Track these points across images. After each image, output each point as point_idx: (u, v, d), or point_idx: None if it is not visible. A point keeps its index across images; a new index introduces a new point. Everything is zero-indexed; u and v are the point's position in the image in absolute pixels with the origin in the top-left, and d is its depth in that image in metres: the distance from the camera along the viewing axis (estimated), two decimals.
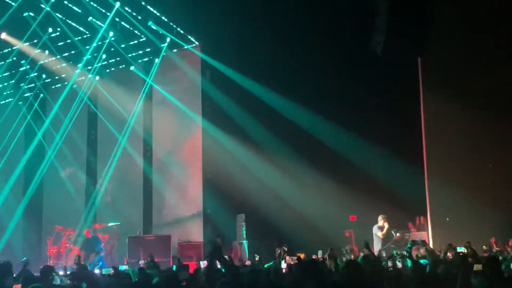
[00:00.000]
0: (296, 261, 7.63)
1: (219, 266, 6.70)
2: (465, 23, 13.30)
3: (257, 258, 10.51)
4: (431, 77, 14.03)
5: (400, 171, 13.85)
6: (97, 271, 7.53)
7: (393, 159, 14.07)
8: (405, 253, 8.11)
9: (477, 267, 5.14)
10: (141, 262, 11.46)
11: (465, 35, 13.35)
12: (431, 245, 11.90)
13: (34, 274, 7.87)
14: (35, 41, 16.36)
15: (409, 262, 7.64)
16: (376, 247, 11.79)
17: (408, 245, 8.35)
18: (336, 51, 14.61)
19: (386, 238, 12.22)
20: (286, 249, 10.34)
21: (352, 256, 10.79)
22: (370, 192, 14.39)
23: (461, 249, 8.60)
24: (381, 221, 12.32)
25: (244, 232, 14.42)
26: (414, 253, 8.76)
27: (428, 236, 13.33)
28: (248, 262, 10.91)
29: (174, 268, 8.96)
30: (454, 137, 13.58)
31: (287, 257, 9.62)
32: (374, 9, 12.10)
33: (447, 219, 13.31)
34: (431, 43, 13.65)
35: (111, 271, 7.77)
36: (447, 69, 13.57)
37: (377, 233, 12.20)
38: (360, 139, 14.55)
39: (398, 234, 12.40)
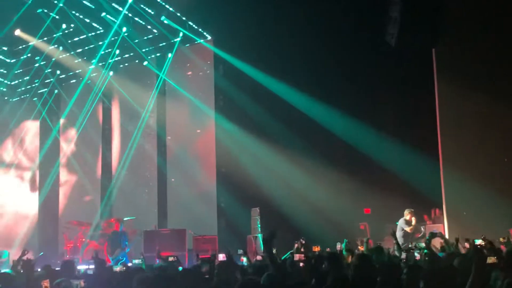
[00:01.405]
0: (304, 258, 7.57)
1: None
2: (479, 12, 13.15)
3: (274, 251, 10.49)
4: (446, 67, 13.92)
5: (415, 163, 13.76)
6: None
7: (407, 151, 13.99)
8: (423, 245, 8.06)
9: (491, 259, 5.04)
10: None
11: (479, 24, 13.20)
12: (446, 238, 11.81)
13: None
14: (49, 37, 16.48)
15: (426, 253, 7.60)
16: (400, 241, 11.49)
17: (427, 238, 8.28)
18: (349, 43, 14.53)
19: (413, 233, 11.87)
20: (303, 242, 10.32)
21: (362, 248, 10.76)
22: (385, 184, 14.33)
23: (478, 241, 8.52)
24: (408, 215, 11.92)
25: (259, 225, 14.43)
26: (433, 245, 8.71)
27: (444, 228, 13.26)
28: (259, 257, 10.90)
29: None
30: (469, 128, 13.46)
31: (296, 254, 9.54)
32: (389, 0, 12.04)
33: (464, 213, 13.21)
34: (445, 34, 13.59)
35: (122, 267, 7.76)
36: (462, 59, 13.44)
37: (405, 228, 11.79)
38: (374, 131, 14.49)
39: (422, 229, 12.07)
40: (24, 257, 8.22)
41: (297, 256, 8.33)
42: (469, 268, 4.77)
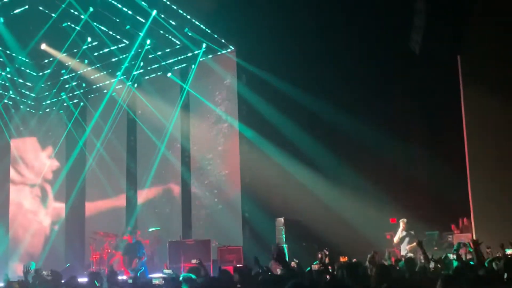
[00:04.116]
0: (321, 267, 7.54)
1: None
2: (505, 18, 12.97)
3: (293, 264, 10.42)
4: (472, 74, 13.73)
5: (441, 172, 13.59)
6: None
7: (434, 160, 13.83)
8: (450, 256, 7.93)
9: None
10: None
11: (505, 30, 13.01)
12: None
13: (79, 279, 7.99)
14: (75, 51, 16.72)
15: (455, 263, 7.49)
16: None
17: (455, 247, 8.14)
18: (374, 51, 14.44)
19: (402, 243, 12.57)
20: (327, 252, 10.20)
21: (393, 259, 10.63)
22: (411, 193, 14.17)
23: (509, 251, 8.35)
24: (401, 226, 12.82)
25: (284, 235, 14.35)
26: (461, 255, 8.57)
27: (472, 238, 13.02)
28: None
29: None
30: (496, 135, 13.24)
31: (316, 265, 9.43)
32: (413, 7, 11.95)
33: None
34: (470, 40, 13.42)
35: (161, 280, 7.76)
36: (488, 66, 13.25)
37: (394, 238, 12.77)
38: (400, 140, 14.34)
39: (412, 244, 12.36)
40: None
41: (316, 266, 8.27)
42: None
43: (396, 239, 12.79)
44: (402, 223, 12.94)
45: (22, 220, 19.90)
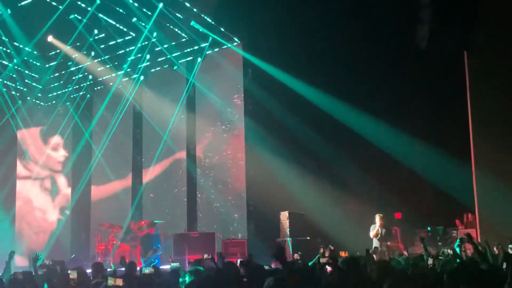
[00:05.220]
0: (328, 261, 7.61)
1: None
2: None
3: (296, 256, 10.45)
4: (478, 70, 13.67)
5: (446, 167, 13.55)
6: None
7: (439, 155, 13.78)
8: (450, 251, 7.93)
9: None
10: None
11: None
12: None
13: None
14: (81, 43, 16.77)
15: (457, 260, 7.49)
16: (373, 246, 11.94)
17: (457, 243, 8.15)
18: (381, 47, 14.39)
19: (381, 238, 12.30)
20: (332, 248, 10.19)
21: (397, 254, 10.65)
22: (416, 188, 14.16)
23: None
24: (376, 220, 12.51)
25: (288, 229, 14.38)
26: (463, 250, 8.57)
27: (477, 233, 13.01)
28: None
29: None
30: (502, 131, 13.18)
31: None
32: (419, 2, 11.89)
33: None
34: (477, 36, 13.35)
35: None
36: (494, 62, 13.18)
37: (370, 232, 12.44)
38: (405, 135, 14.30)
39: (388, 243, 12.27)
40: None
41: (324, 260, 8.30)
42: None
43: (373, 234, 12.40)
44: (379, 218, 12.50)
45: (28, 212, 20.03)
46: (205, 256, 8.76)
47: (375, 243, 12.28)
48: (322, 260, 8.28)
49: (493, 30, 13.06)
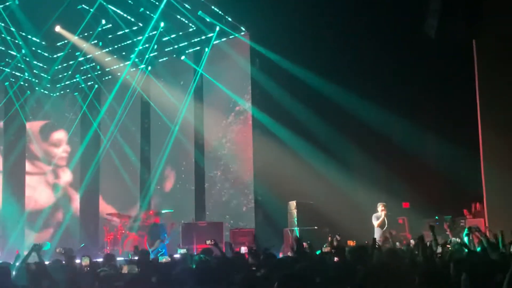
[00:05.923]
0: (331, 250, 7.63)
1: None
2: None
3: (305, 244, 10.48)
4: (487, 59, 13.57)
5: (455, 157, 13.52)
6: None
7: (447, 144, 13.75)
8: (454, 240, 7.92)
9: None
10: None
11: None
12: (487, 233, 11.56)
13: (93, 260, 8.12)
14: (89, 33, 16.79)
15: (465, 250, 7.48)
16: (375, 236, 11.67)
17: (465, 233, 8.14)
18: (389, 36, 14.31)
19: (386, 227, 12.26)
20: (339, 238, 10.21)
21: (404, 242, 10.66)
22: (424, 178, 14.13)
23: None
24: (379, 209, 12.52)
25: (296, 219, 14.42)
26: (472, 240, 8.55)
27: (485, 223, 12.98)
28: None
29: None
30: (510, 120, 13.11)
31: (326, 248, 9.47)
32: None
33: None
34: (487, 24, 13.24)
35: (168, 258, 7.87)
36: (504, 51, 13.08)
37: (374, 222, 12.41)
38: (413, 125, 14.26)
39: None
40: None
41: (326, 249, 8.36)
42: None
43: (378, 222, 12.39)
44: (382, 206, 12.54)
45: (37, 201, 20.15)
46: (208, 242, 8.82)
47: (377, 232, 12.23)
48: (325, 250, 8.32)
49: (502, 19, 12.94)
